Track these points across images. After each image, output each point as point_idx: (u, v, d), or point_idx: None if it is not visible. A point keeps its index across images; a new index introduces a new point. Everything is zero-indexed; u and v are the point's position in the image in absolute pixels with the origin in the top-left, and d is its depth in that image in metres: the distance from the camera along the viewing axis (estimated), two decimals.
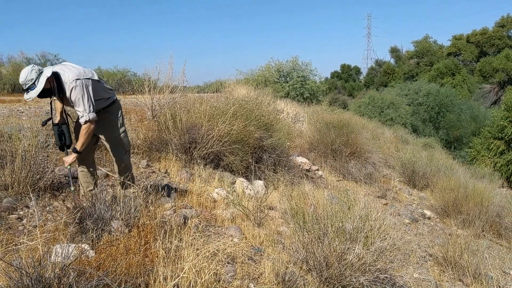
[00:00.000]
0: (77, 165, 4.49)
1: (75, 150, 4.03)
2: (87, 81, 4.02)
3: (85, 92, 3.97)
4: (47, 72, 3.84)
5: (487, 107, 35.36)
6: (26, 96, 3.80)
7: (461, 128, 27.82)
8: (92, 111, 4.00)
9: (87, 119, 3.96)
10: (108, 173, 5.51)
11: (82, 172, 4.49)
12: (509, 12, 65.61)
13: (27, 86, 3.76)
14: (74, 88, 3.92)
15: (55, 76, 3.90)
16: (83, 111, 3.95)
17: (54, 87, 3.91)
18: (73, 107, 4.04)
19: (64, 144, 4.19)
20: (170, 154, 6.62)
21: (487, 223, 8.90)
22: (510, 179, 18.93)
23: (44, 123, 4.22)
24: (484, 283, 5.48)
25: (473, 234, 7.83)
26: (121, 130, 4.51)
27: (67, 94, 3.95)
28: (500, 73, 40.78)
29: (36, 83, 3.78)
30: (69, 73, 3.95)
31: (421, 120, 28.87)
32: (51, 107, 4.18)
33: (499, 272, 6.03)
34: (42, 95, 3.87)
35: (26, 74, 3.74)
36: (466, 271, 5.73)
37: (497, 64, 41.83)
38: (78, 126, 4.18)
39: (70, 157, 4.05)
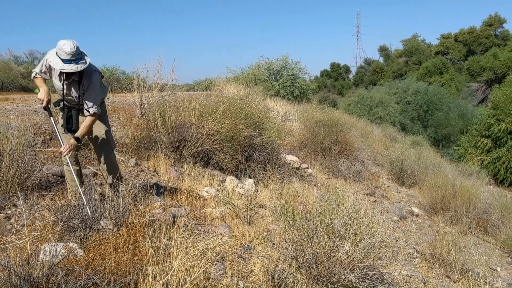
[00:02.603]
0: (64, 164, 4.46)
1: (77, 139, 4.07)
2: (100, 75, 4.33)
3: (99, 85, 4.26)
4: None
5: (474, 105, 35.59)
6: (71, 66, 3.92)
7: (449, 126, 28.02)
8: (99, 104, 4.25)
9: (96, 111, 4.17)
10: (97, 172, 5.48)
11: (68, 171, 4.46)
12: (497, 11, 66.24)
13: (74, 57, 3.91)
14: (93, 79, 4.17)
15: None
16: (94, 103, 4.16)
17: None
18: (81, 95, 4.16)
19: (70, 128, 4.23)
20: (159, 153, 6.59)
21: (474, 220, 9.01)
22: (497, 176, 19.14)
23: (56, 104, 4.28)
24: (471, 279, 5.54)
25: (461, 231, 7.92)
26: (107, 128, 4.53)
27: (85, 81, 4.13)
28: (488, 71, 41.11)
29: (84, 58, 4.02)
30: (90, 64, 4.17)
31: (410, 119, 29.03)
32: (64, 88, 4.18)
33: (486, 269, 6.11)
34: (70, 73, 4.02)
35: (74, 46, 3.90)
36: (454, 267, 5.79)
37: (484, 62, 42.15)
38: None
39: (69, 145, 4.02)
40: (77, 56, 3.93)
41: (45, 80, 4.22)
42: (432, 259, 6.18)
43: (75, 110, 4.23)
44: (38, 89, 4.15)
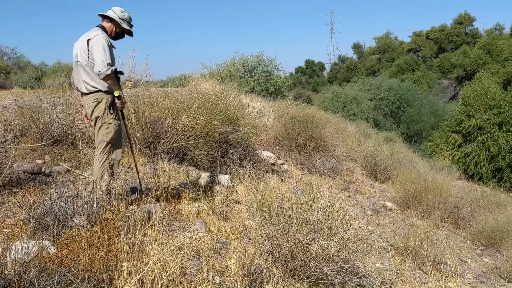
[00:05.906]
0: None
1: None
2: None
3: None
4: None
5: (445, 101, 36.45)
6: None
7: (421, 122, 28.59)
8: None
9: None
10: (69, 168, 5.38)
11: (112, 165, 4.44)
12: (466, 10, 67.78)
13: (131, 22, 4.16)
14: None
15: None
16: None
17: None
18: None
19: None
20: (133, 149, 6.51)
21: (446, 214, 9.22)
22: (467, 171, 19.62)
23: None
24: (442, 271, 5.68)
25: (433, 225, 8.08)
26: None
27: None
28: (458, 69, 42.09)
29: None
30: None
31: (383, 115, 29.49)
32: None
33: (457, 261, 6.25)
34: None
35: None
36: (426, 260, 5.92)
37: (455, 60, 43.15)
38: None
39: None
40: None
41: None
42: (405, 252, 6.31)
43: None
44: (118, 91, 3.97)
